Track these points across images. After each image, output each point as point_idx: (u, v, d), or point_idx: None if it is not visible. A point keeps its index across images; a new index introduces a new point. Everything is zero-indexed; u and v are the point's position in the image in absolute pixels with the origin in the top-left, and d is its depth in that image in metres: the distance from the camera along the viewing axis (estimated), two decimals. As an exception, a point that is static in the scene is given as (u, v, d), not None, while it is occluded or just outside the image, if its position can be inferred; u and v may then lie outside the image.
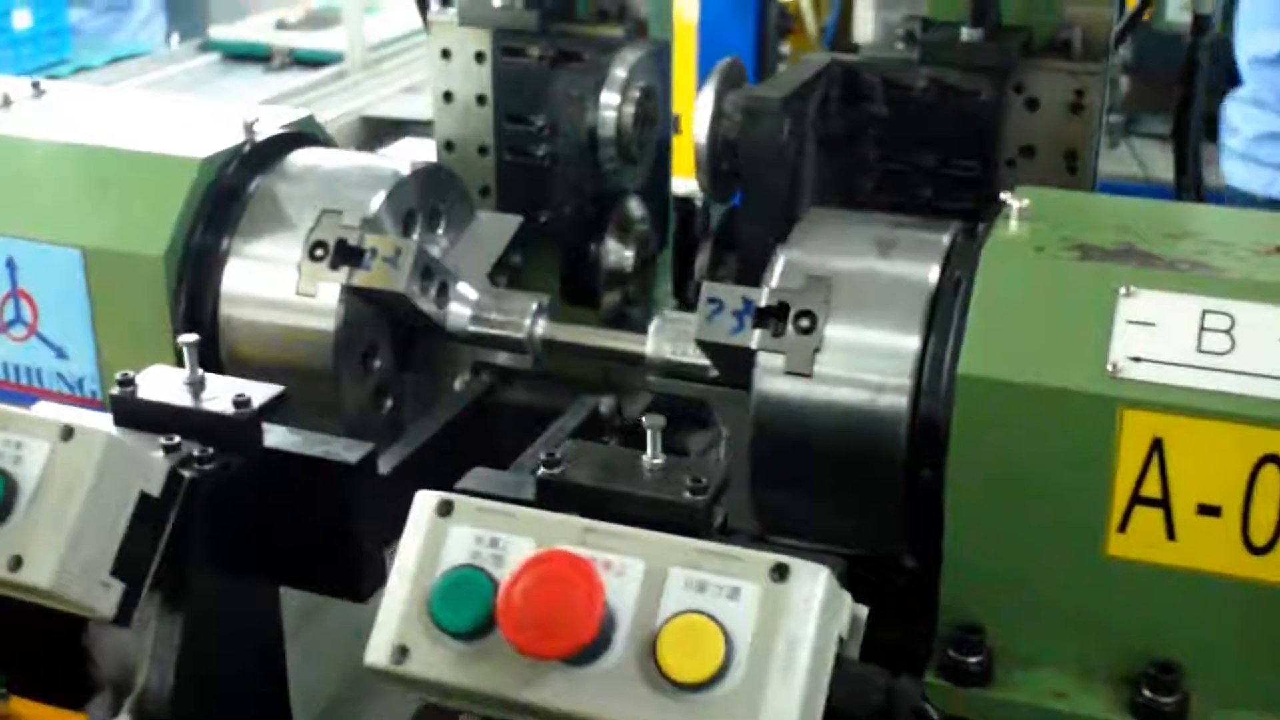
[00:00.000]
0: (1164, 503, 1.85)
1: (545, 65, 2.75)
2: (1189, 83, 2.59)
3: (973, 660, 1.94)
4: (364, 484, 1.82)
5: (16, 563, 1.55)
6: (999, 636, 1.96)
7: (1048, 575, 1.93)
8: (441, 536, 1.45)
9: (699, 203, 2.58)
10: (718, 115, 2.39)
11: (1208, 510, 1.83)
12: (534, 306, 2.37)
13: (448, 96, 2.90)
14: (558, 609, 1.31)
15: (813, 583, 1.36)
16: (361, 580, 1.86)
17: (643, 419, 1.66)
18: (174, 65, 7.72)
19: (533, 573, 1.32)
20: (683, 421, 2.54)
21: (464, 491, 1.67)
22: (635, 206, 2.77)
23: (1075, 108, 2.49)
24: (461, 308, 2.38)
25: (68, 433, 1.59)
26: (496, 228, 2.53)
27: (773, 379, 2.01)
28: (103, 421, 1.76)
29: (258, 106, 2.52)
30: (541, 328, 2.37)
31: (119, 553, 1.61)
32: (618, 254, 2.71)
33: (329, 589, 1.88)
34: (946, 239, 2.10)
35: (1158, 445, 1.83)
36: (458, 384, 2.40)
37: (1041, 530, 1.91)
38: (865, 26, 7.18)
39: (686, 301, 2.54)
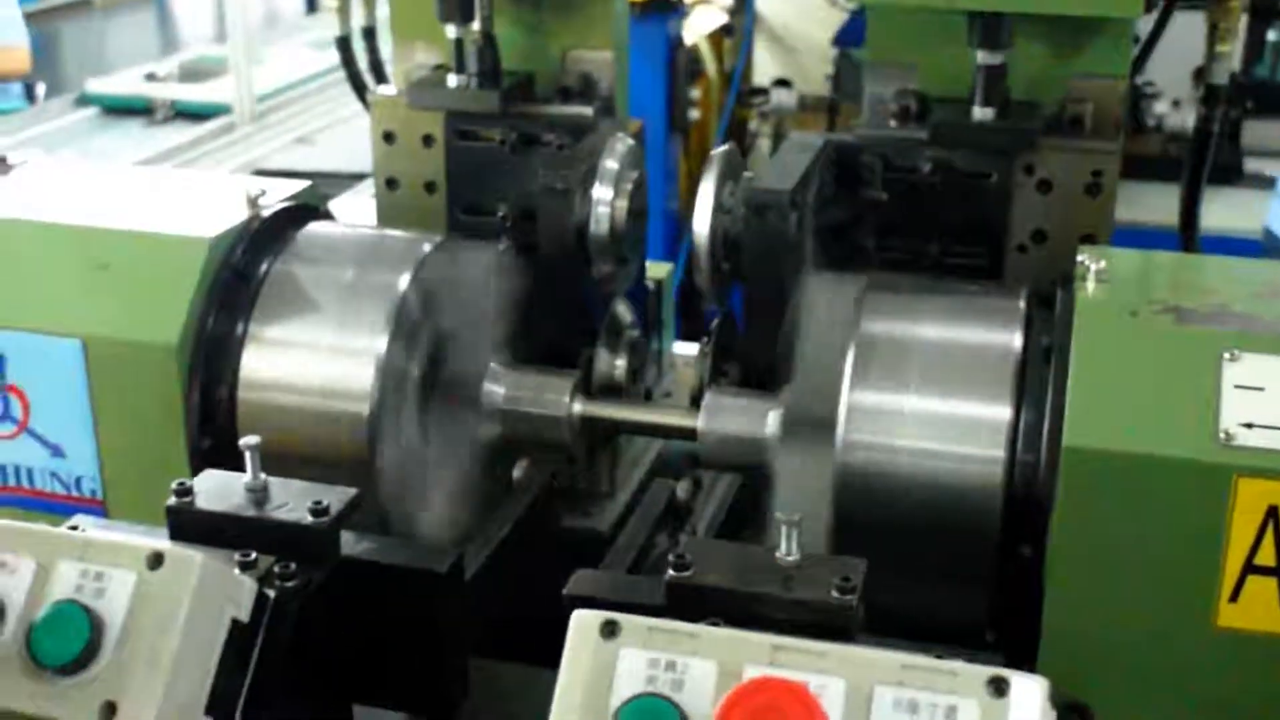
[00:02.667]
0: (1278, 571, 1.79)
1: (505, 149, 2.49)
2: (1201, 153, 2.53)
3: (1078, 742, 1.85)
4: (452, 592, 1.68)
5: (109, 710, 1.38)
6: (1105, 714, 1.88)
7: (1155, 649, 1.86)
8: (611, 660, 1.32)
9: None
10: (718, 210, 2.19)
11: (1323, 577, 1.78)
12: (571, 383, 2.25)
13: (391, 183, 2.64)
14: (781, 744, 1.19)
15: (1032, 697, 1.26)
16: (448, 696, 1.71)
17: (777, 514, 1.54)
18: (52, 121, 7.44)
19: (748, 704, 1.20)
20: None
21: (580, 599, 1.54)
22: (625, 312, 2.50)
23: (1092, 189, 2.33)
24: (495, 385, 2.25)
25: (156, 560, 1.43)
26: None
27: (854, 452, 1.92)
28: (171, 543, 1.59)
29: (257, 179, 2.35)
30: (579, 405, 2.25)
31: (212, 688, 1.45)
32: (608, 364, 2.40)
33: (414, 706, 1.73)
34: (1022, 304, 2.03)
35: (1273, 513, 1.77)
36: (517, 472, 2.26)
37: (1148, 603, 1.85)
38: (766, 70, 7.14)
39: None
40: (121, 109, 7.54)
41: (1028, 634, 1.91)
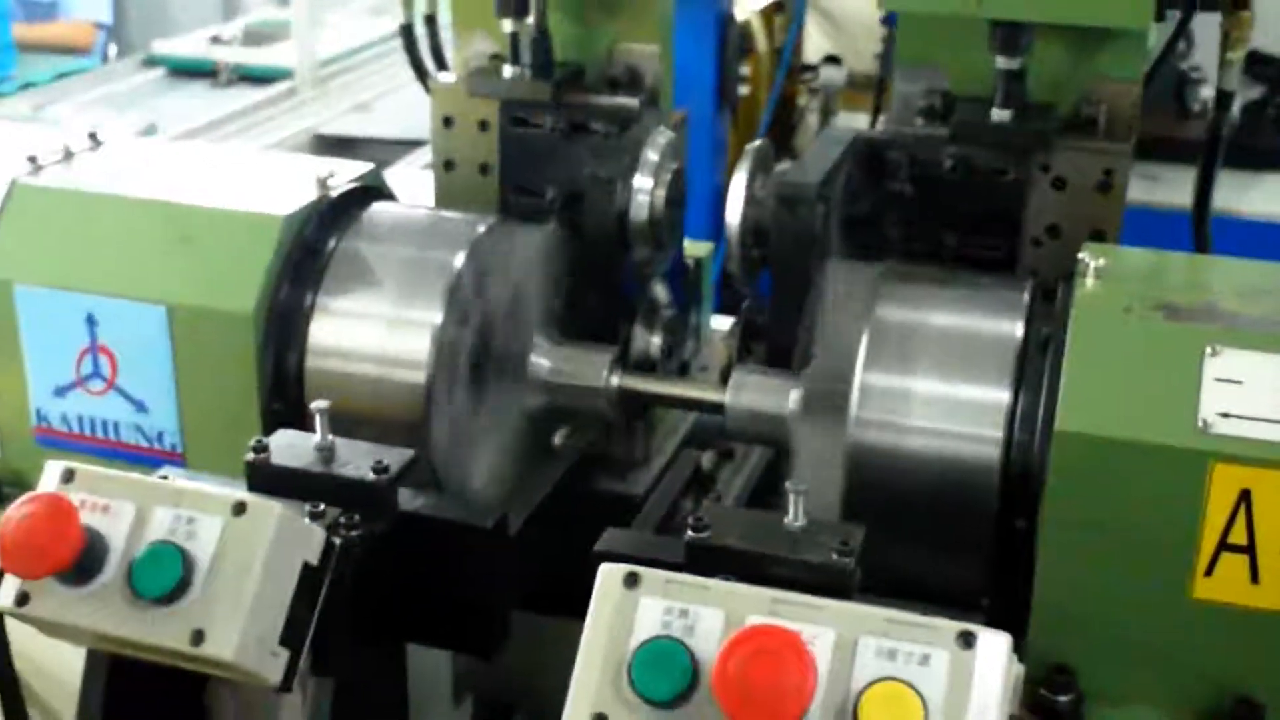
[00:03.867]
0: (1249, 549, 1.96)
1: (556, 136, 2.67)
2: (1211, 157, 2.65)
3: (1063, 699, 2.04)
4: (496, 546, 1.88)
5: (199, 637, 1.58)
6: (1088, 676, 2.06)
7: (1136, 617, 2.03)
8: (631, 608, 1.51)
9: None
10: (750, 200, 2.39)
11: (1290, 556, 1.95)
12: (609, 358, 2.43)
13: (449, 165, 2.82)
14: (774, 682, 1.38)
15: (997, 650, 1.45)
16: (491, 638, 1.91)
17: (786, 484, 1.73)
18: (120, 81, 7.65)
19: (747, 647, 1.39)
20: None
21: (607, 555, 1.73)
22: (661, 292, 2.70)
23: (1104, 187, 2.47)
24: (540, 358, 2.44)
25: (240, 508, 1.63)
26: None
27: (864, 430, 2.11)
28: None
29: (326, 160, 2.55)
30: (617, 378, 2.44)
31: (286, 622, 1.65)
32: (644, 341, 2.61)
33: (460, 646, 1.94)
34: (1026, 296, 2.20)
35: (1245, 496, 1.94)
36: (557, 439, 2.46)
37: (1131, 575, 2.01)
38: (817, 47, 7.21)
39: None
40: (187, 71, 7.74)
41: (1021, 600, 2.09)
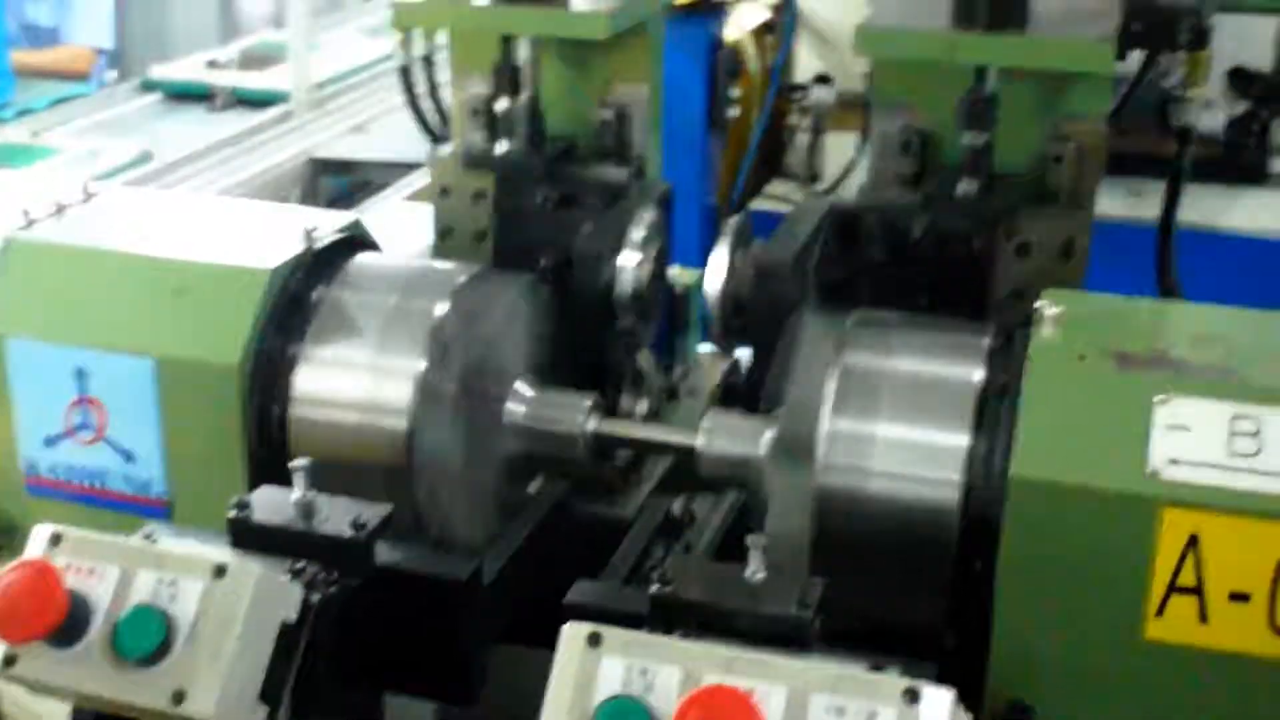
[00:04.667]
0: (1198, 590, 2.03)
1: (548, 207, 2.79)
2: (1174, 191, 2.73)
3: (1022, 735, 2.11)
4: (472, 597, 1.95)
5: (180, 697, 1.66)
6: (1046, 713, 2.13)
7: (1091, 657, 2.09)
8: (593, 667, 1.58)
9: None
10: (731, 273, 2.49)
11: (1238, 597, 2.01)
12: (587, 404, 2.50)
13: (446, 233, 2.95)
14: (725, 743, 1.45)
15: (940, 706, 1.52)
16: (468, 686, 1.98)
17: (746, 540, 1.80)
18: (116, 106, 7.71)
19: (700, 708, 1.47)
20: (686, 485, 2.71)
21: (575, 607, 1.80)
22: (647, 361, 2.80)
23: (1066, 253, 2.57)
24: (518, 405, 2.51)
25: (220, 571, 1.70)
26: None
27: (830, 474, 2.18)
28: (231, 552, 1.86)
29: (313, 212, 2.62)
30: (593, 423, 2.51)
31: (265, 679, 1.72)
32: (630, 406, 2.74)
33: (438, 695, 2.01)
34: (987, 342, 2.27)
35: (1193, 540, 2.01)
36: (533, 488, 2.53)
37: (1085, 616, 2.08)
38: (808, 67, 7.24)
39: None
40: (184, 95, 7.77)
41: (981, 640, 2.16)
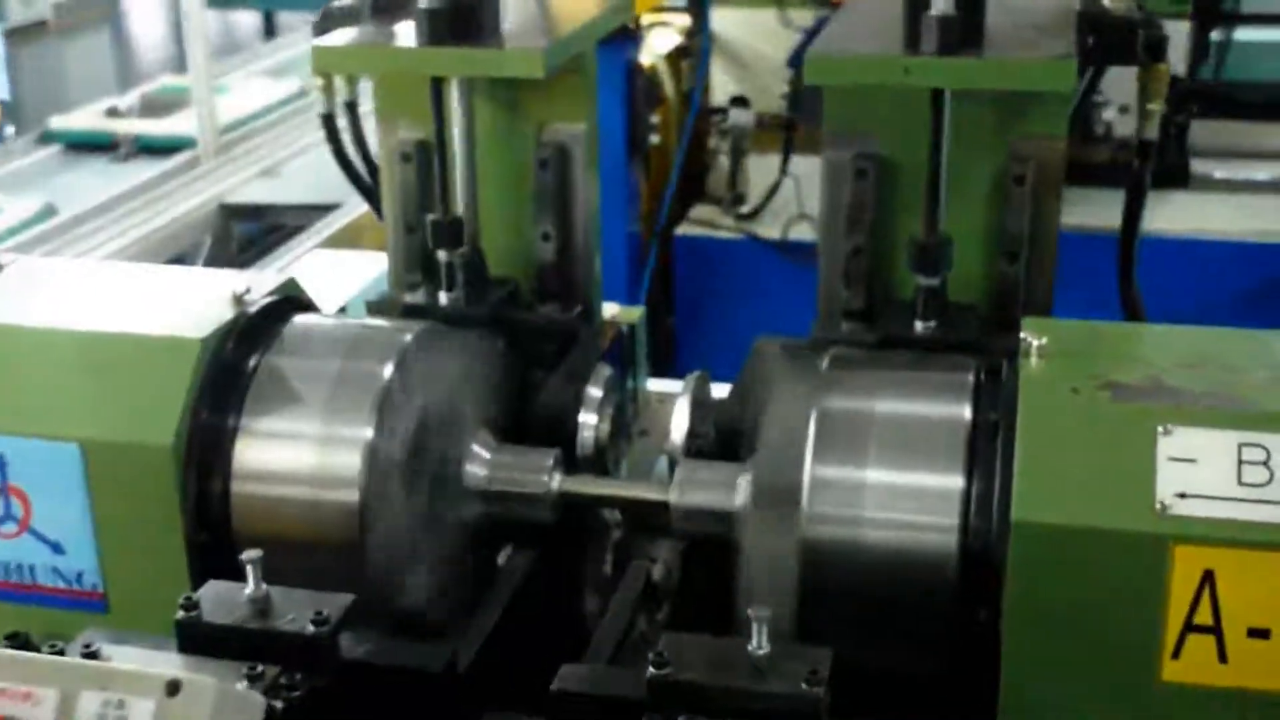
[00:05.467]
0: (1216, 629, 1.92)
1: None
2: (1135, 205, 2.65)
3: (1036, 793, 1.99)
4: (448, 688, 1.79)
5: (136, 832, 1.48)
6: (1061, 766, 2.02)
7: (1106, 704, 1.99)
8: (600, 771, 1.44)
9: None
10: (692, 436, 2.38)
11: (1257, 633, 1.92)
12: (550, 462, 2.36)
13: None
14: None
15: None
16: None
17: (749, 611, 1.66)
18: (15, 160, 7.48)
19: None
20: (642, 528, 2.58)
21: (564, 696, 1.66)
22: (608, 515, 2.63)
23: None
24: (476, 467, 2.37)
25: (174, 688, 1.53)
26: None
27: (817, 525, 2.05)
28: (182, 663, 1.69)
29: (242, 275, 2.45)
30: (558, 481, 2.37)
31: (230, 800, 1.56)
32: (595, 563, 2.58)
33: (417, 795, 1.85)
34: (970, 379, 2.15)
35: (1208, 576, 1.91)
36: (502, 559, 2.38)
37: (1098, 661, 1.98)
38: (724, 89, 7.17)
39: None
40: (85, 145, 7.57)
41: (988, 692, 2.04)
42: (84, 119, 7.86)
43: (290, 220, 6.76)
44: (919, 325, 2.44)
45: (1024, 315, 2.42)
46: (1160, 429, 1.95)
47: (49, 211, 6.42)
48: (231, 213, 6.85)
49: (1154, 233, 5.65)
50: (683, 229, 6.30)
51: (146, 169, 7.11)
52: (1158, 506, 1.91)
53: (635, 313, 3.16)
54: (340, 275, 4.29)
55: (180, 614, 1.78)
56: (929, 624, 2.05)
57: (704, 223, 6.32)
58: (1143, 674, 1.95)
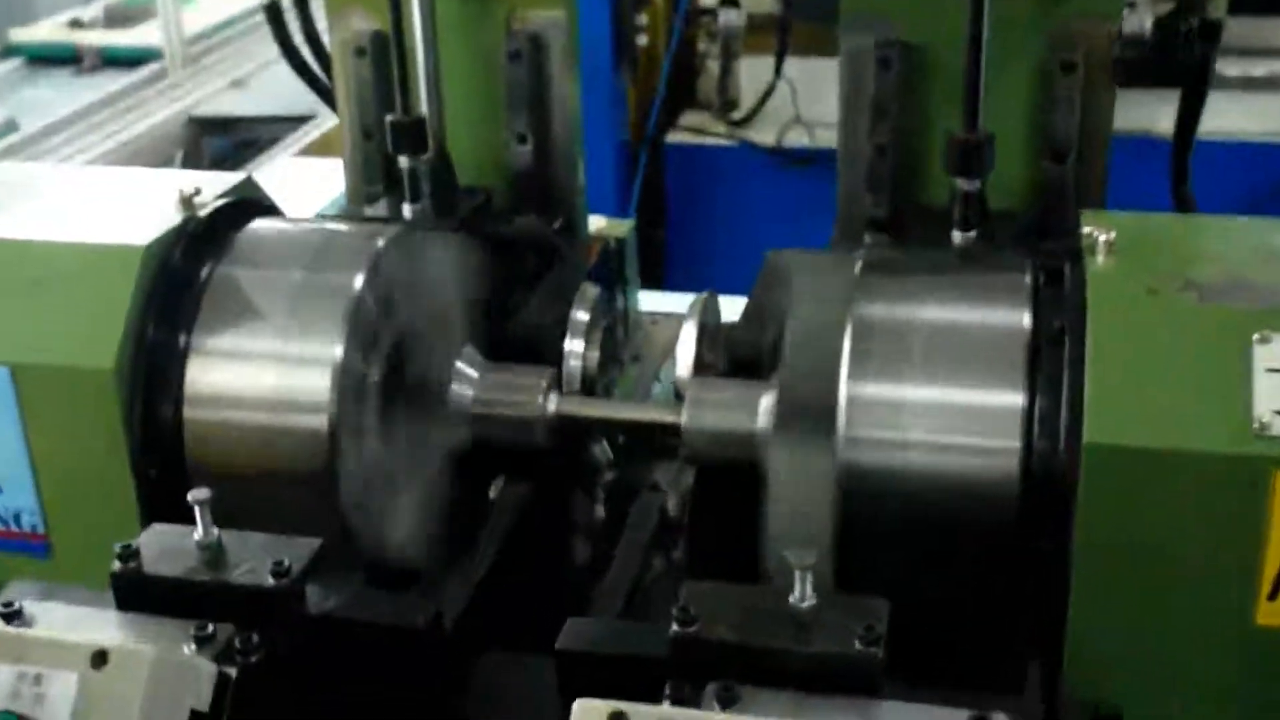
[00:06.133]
0: (1319, 564, 1.67)
1: None
2: (1198, 92, 2.42)
3: (1108, 747, 1.74)
4: (432, 648, 1.53)
5: (58, 831, 1.23)
6: (1135, 717, 1.77)
7: (1189, 651, 1.74)
8: (623, 759, 1.18)
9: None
10: (699, 366, 2.09)
11: (1369, 571, 1.66)
12: (544, 380, 2.09)
13: None
14: None
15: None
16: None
17: (786, 556, 1.40)
18: (-23, 74, 7.15)
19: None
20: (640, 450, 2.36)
21: (571, 655, 1.40)
22: (599, 452, 2.38)
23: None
24: (462, 387, 2.10)
25: (100, 658, 1.27)
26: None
27: (857, 449, 1.79)
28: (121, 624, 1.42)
29: (192, 174, 2.17)
30: (554, 403, 2.10)
31: (174, 790, 1.30)
32: (585, 506, 2.33)
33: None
34: (1028, 279, 1.88)
35: (1313, 505, 1.64)
36: (493, 491, 2.11)
37: (1181, 603, 1.73)
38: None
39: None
40: (48, 58, 7.25)
41: (1053, 635, 1.79)
42: (46, 31, 7.53)
43: (263, 133, 6.50)
44: (957, 235, 2.16)
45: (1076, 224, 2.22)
46: (1255, 335, 1.68)
47: (10, 127, 6.14)
48: (202, 126, 6.57)
49: (1163, 134, 5.40)
50: (672, 137, 6.04)
51: (111, 81, 6.81)
52: (1255, 425, 1.64)
53: (624, 226, 2.92)
54: (311, 183, 3.99)
55: (117, 565, 1.51)
56: (985, 562, 1.79)
57: (695, 130, 6.06)
58: (1233, 618, 1.70)
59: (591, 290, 2.31)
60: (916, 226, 2.25)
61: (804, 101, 5.87)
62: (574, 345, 2.24)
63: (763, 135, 5.88)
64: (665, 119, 6.04)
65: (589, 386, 2.25)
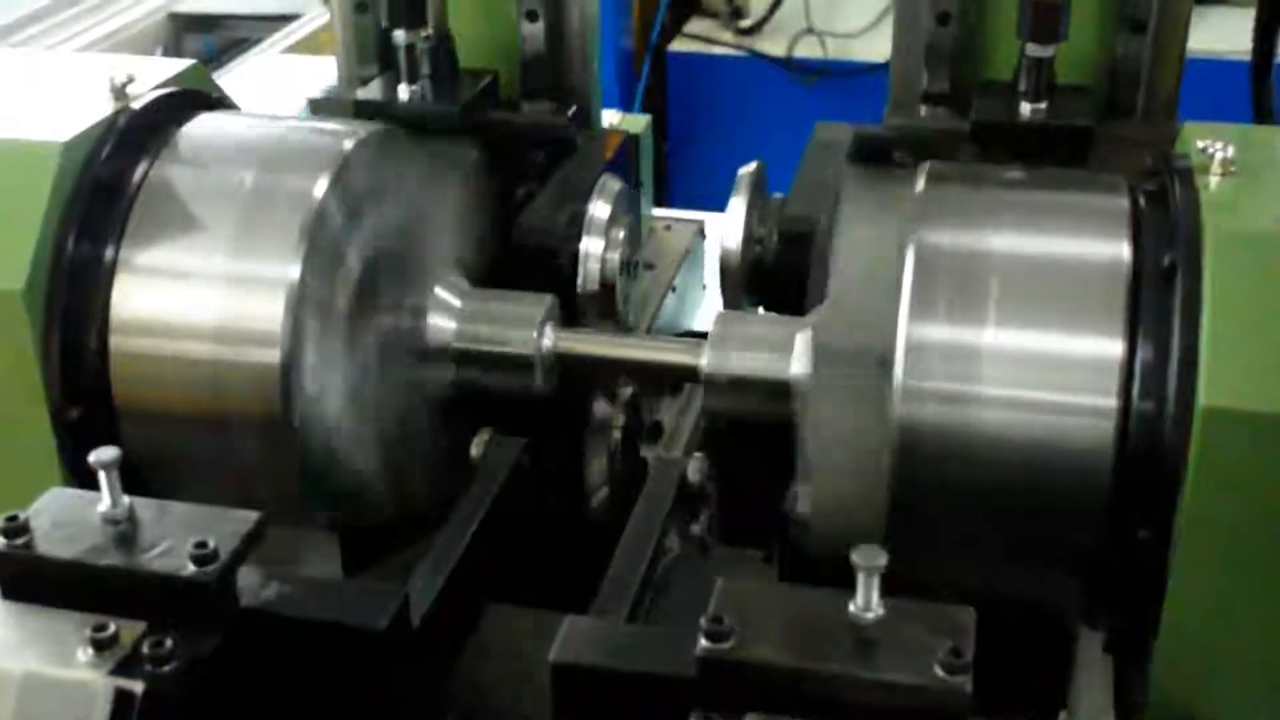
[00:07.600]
0: None
1: None
2: (1275, 11, 2.13)
3: (1203, 766, 1.46)
4: (396, 651, 1.23)
5: None
6: (1235, 729, 1.50)
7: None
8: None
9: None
10: (749, 236, 1.86)
11: None
12: (541, 311, 1.79)
13: None
14: None
15: None
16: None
17: (852, 556, 1.09)
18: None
19: None
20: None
21: (568, 669, 1.10)
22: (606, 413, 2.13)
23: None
24: (443, 319, 1.78)
25: (-48, 679, 0.96)
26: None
27: (919, 404, 1.48)
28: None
29: (127, 58, 1.84)
30: (551, 339, 1.79)
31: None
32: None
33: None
34: (1125, 202, 1.56)
35: None
36: (475, 449, 1.80)
37: (1305, 599, 1.43)
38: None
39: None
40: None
41: (1141, 635, 1.50)
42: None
43: (250, 32, 6.22)
44: (1025, 108, 1.86)
45: (1148, 103, 1.93)
46: None
47: (-30, 26, 5.81)
48: (183, 23, 6.28)
49: (1195, 54, 5.09)
50: (677, 45, 5.77)
51: (85, -29, 6.48)
52: None
53: (641, 121, 2.60)
54: (298, 82, 3.65)
55: (1, 541, 1.20)
56: (1067, 543, 1.50)
57: (700, 38, 5.80)
58: (1366, 618, 1.41)
59: (613, 183, 2.03)
60: (982, 98, 1.94)
61: (817, 10, 5.61)
62: (592, 245, 1.97)
63: (772, 45, 5.64)
64: (670, 26, 5.79)
65: (608, 294, 1.98)
